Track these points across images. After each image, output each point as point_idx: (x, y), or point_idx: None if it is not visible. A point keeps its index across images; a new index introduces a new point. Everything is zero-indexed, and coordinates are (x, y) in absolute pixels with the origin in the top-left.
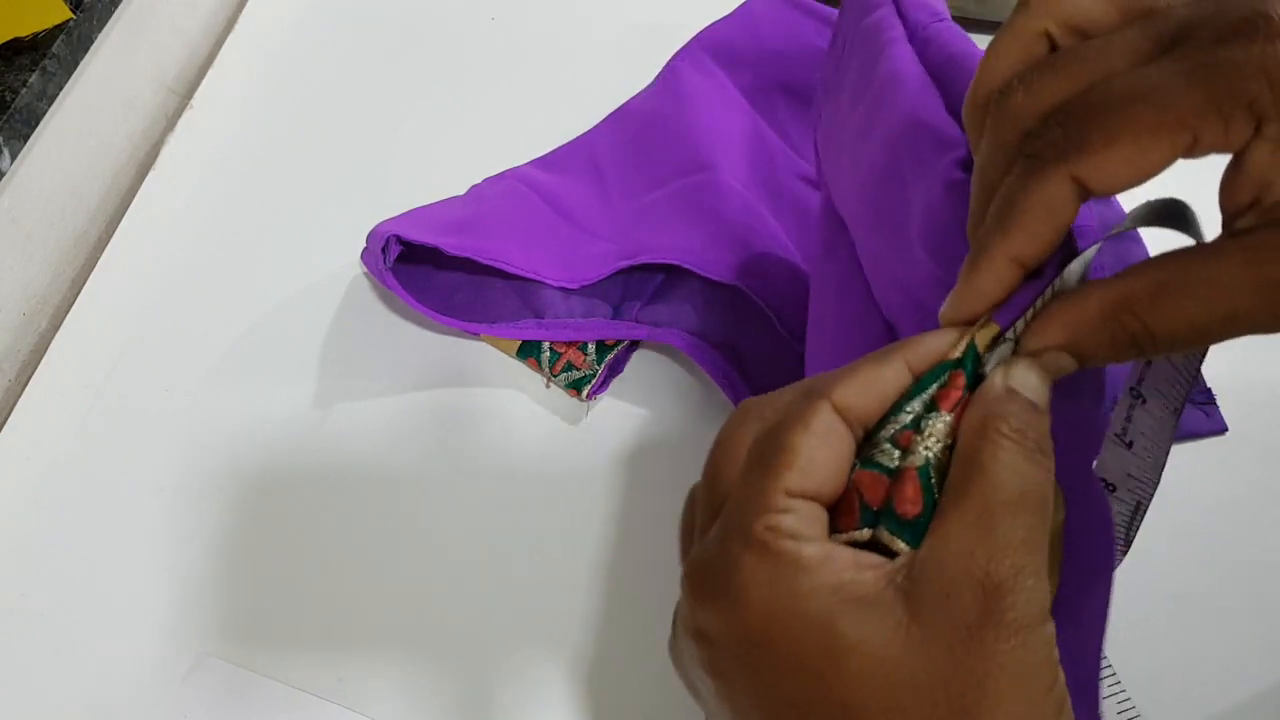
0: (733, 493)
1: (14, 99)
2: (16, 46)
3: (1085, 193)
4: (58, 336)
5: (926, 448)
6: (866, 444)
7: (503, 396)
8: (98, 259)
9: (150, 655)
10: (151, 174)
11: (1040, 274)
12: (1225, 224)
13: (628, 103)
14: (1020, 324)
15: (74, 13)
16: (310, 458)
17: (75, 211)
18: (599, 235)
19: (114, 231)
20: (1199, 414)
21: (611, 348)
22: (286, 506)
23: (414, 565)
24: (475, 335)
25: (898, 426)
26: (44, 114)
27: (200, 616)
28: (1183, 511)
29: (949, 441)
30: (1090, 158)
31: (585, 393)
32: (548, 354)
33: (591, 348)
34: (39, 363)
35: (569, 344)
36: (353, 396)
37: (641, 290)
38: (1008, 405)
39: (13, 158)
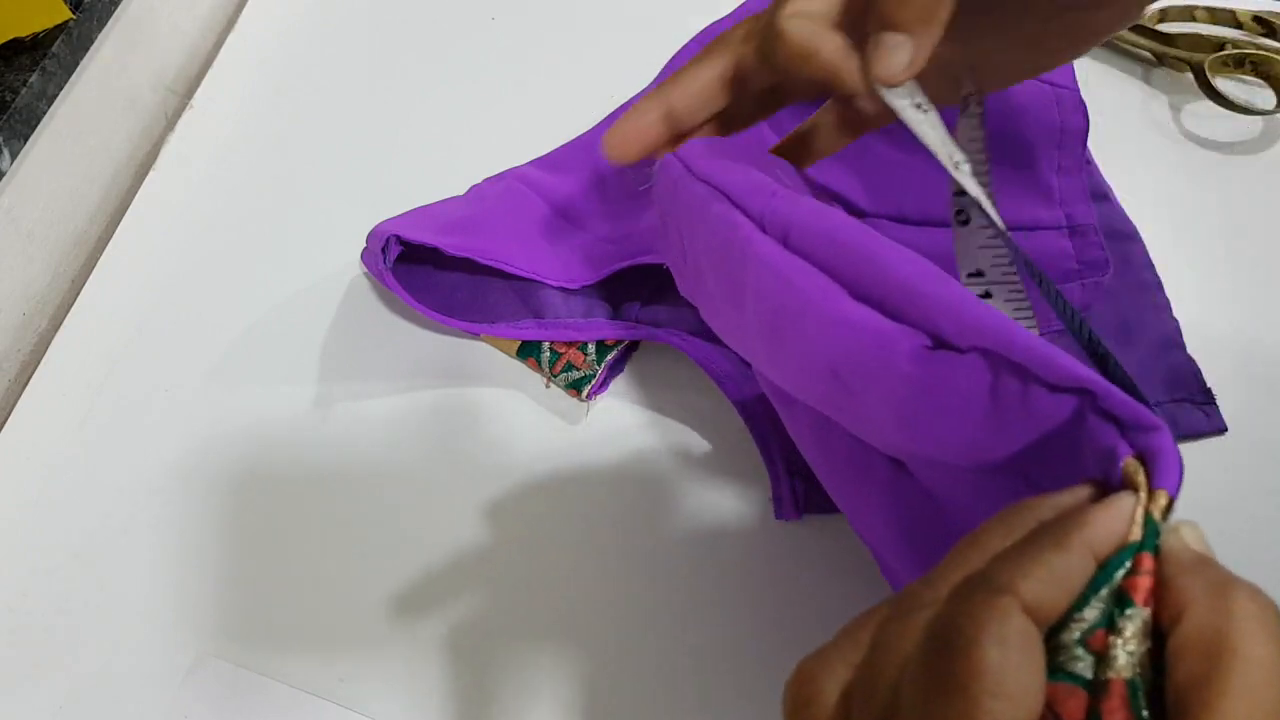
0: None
1: (14, 99)
2: (16, 46)
3: (740, 74)
4: (58, 336)
5: (1130, 651)
6: (1048, 646)
7: (503, 396)
8: (98, 259)
9: (150, 655)
10: (151, 174)
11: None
12: None
13: (629, 102)
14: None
15: (74, 13)
16: (311, 458)
17: (75, 211)
18: (599, 235)
19: (114, 231)
20: (1199, 414)
21: (611, 347)
22: (287, 507)
23: (414, 565)
24: (475, 335)
25: (1085, 625)
26: (44, 114)
27: (200, 616)
28: (1183, 511)
29: (1149, 642)
30: (769, 34)
31: (585, 393)
32: (547, 354)
33: (591, 348)
34: (39, 363)
35: (569, 344)
36: (353, 397)
37: (642, 290)
38: (1239, 583)
39: (12, 158)
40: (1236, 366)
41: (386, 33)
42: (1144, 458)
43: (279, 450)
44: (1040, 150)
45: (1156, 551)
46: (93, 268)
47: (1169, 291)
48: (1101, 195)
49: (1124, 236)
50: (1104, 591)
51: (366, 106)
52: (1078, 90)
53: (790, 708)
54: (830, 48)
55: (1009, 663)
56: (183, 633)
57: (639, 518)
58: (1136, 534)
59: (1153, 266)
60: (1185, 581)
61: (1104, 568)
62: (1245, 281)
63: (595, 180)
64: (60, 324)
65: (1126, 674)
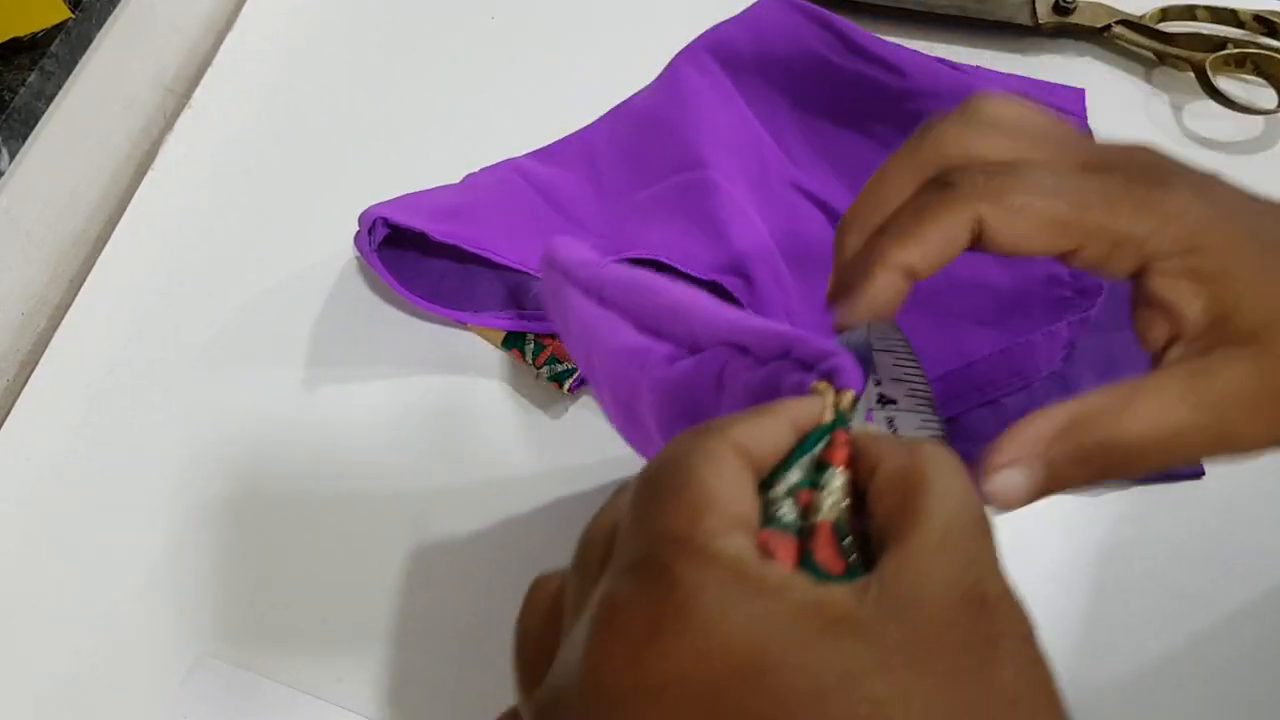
0: (632, 534)
1: (13, 99)
2: (15, 46)
3: (975, 238)
4: (57, 336)
5: (833, 502)
6: (760, 501)
7: (490, 388)
8: (97, 259)
9: (150, 655)
10: (150, 174)
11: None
12: (1154, 360)
13: (628, 100)
14: (871, 385)
15: (73, 12)
16: (311, 458)
17: (74, 211)
18: (589, 229)
19: (113, 231)
20: None
21: None
22: (287, 506)
23: (413, 564)
24: (464, 325)
25: (790, 483)
26: (43, 114)
27: (200, 616)
28: (1188, 510)
29: (849, 499)
30: (999, 211)
31: (567, 386)
32: (532, 346)
33: None
34: (39, 362)
35: (553, 337)
36: (355, 398)
37: None
38: (923, 439)
39: (11, 158)
40: None
41: (386, 32)
42: (830, 377)
43: (279, 450)
44: None
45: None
46: (91, 268)
47: None
48: None
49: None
50: (804, 460)
51: (366, 106)
52: (1085, 117)
53: (519, 614)
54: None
55: (715, 473)
56: (183, 633)
57: None
58: (829, 416)
59: None
60: (876, 445)
61: (803, 442)
62: None
63: (590, 175)
64: (59, 324)
65: (831, 516)
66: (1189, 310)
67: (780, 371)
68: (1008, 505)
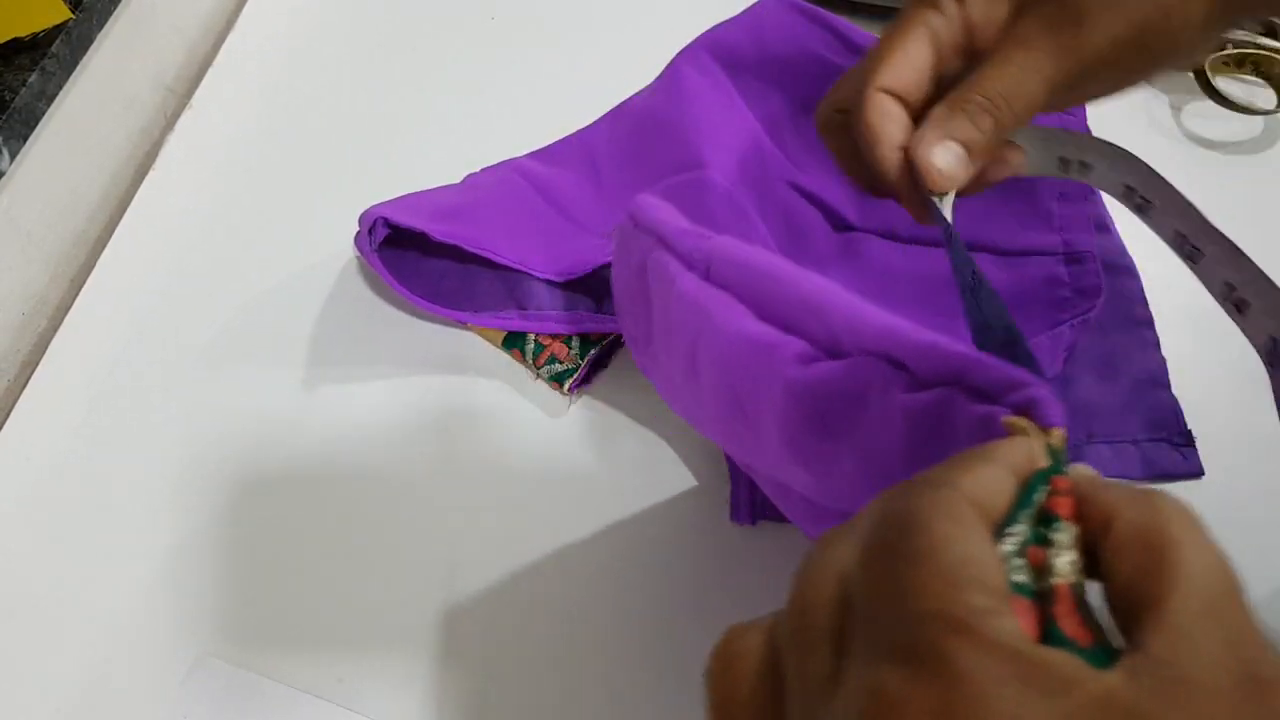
0: (883, 608)
1: (13, 99)
2: (16, 46)
3: (936, 52)
4: (57, 336)
5: (1068, 560)
6: None
7: (490, 388)
8: (97, 259)
9: (150, 655)
10: (151, 174)
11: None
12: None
13: (628, 100)
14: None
15: (73, 13)
16: (311, 458)
17: (75, 211)
18: (589, 229)
19: (113, 231)
20: (1176, 455)
21: (595, 343)
22: (287, 507)
23: (413, 564)
24: (464, 325)
25: (1019, 539)
26: (43, 114)
27: (200, 616)
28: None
29: (1080, 553)
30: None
31: (567, 386)
32: (532, 346)
33: (575, 342)
34: (39, 362)
35: (553, 337)
36: (355, 398)
37: None
38: (1156, 489)
39: (12, 158)
40: (1230, 371)
41: (386, 32)
42: (1026, 411)
43: (279, 450)
44: (1042, 176)
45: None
46: (92, 268)
47: (1168, 290)
48: (1102, 226)
49: (1120, 270)
50: (1029, 511)
51: (366, 106)
52: (1084, 116)
53: (712, 671)
54: (888, 148)
55: (964, 536)
56: (183, 633)
57: (619, 513)
58: (1043, 461)
59: (1146, 303)
60: (1105, 494)
61: (1024, 490)
62: None
63: (590, 175)
64: (60, 324)
65: (1071, 578)
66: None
67: (951, 400)
68: (952, 179)
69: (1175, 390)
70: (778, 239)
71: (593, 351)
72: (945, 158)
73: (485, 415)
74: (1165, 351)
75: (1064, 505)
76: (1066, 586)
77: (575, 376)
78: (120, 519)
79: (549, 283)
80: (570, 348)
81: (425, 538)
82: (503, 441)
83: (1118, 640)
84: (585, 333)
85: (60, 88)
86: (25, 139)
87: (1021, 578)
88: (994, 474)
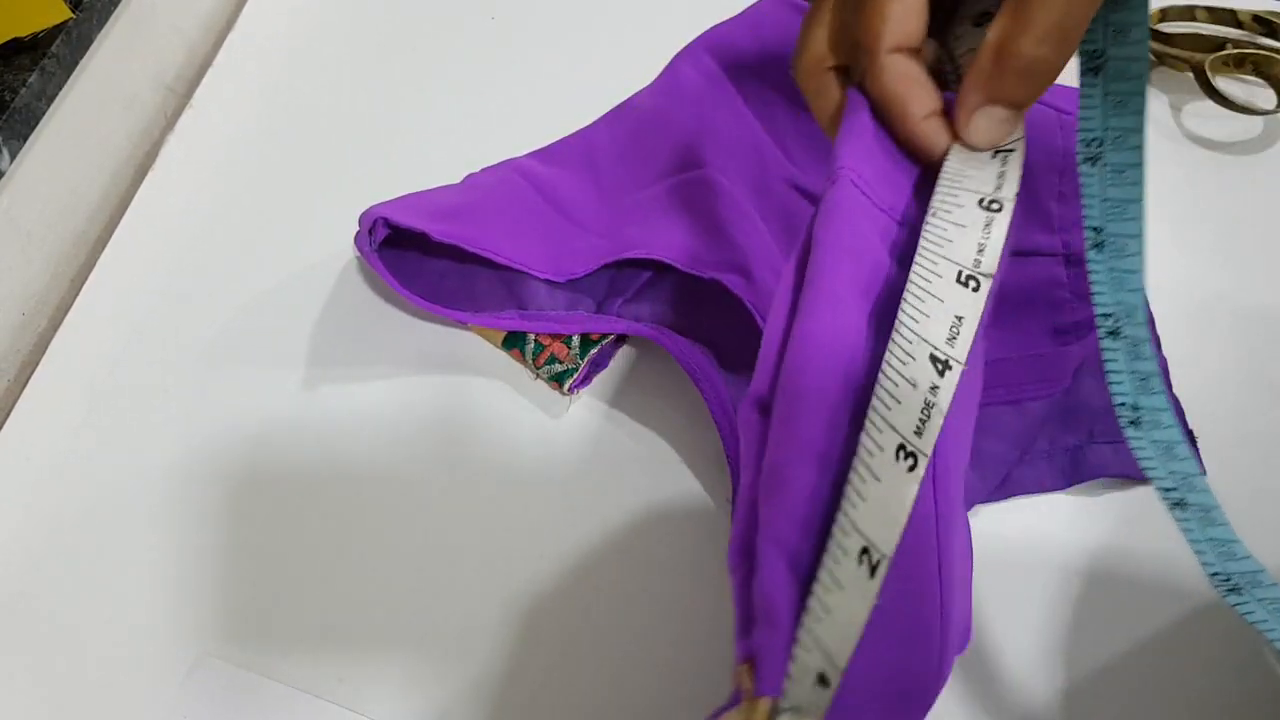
0: None
1: (13, 99)
2: (16, 46)
3: None
4: (57, 336)
5: None
6: None
7: (490, 388)
8: (97, 259)
9: (150, 655)
10: (151, 174)
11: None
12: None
13: (628, 100)
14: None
15: (74, 13)
16: (311, 458)
17: (75, 211)
18: (590, 230)
19: (113, 231)
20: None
21: (595, 343)
22: (287, 507)
23: (413, 564)
24: (464, 325)
25: None
26: (43, 114)
27: (200, 616)
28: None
29: None
30: None
31: (567, 386)
32: (532, 346)
33: (575, 341)
34: (39, 362)
35: (553, 337)
36: (354, 398)
37: (627, 287)
38: None
39: (12, 158)
40: (1230, 371)
41: (386, 32)
42: (751, 661)
43: (279, 450)
44: (1041, 175)
45: None
46: (92, 268)
47: (1168, 291)
48: None
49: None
50: None
51: (366, 106)
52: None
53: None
54: (920, 118)
55: None
56: (183, 633)
57: (618, 513)
58: None
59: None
60: None
61: None
62: (1245, 281)
63: (590, 175)
64: (60, 324)
65: None
66: None
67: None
68: (994, 139)
69: (1175, 390)
70: (777, 238)
71: (593, 351)
72: (995, 130)
73: (485, 415)
74: (1165, 351)
75: None
76: None
77: (575, 376)
78: (120, 519)
79: (549, 283)
80: (570, 348)
81: (425, 538)
82: (502, 441)
83: None
84: (585, 333)
85: (60, 88)
86: (25, 139)
87: None
88: None
